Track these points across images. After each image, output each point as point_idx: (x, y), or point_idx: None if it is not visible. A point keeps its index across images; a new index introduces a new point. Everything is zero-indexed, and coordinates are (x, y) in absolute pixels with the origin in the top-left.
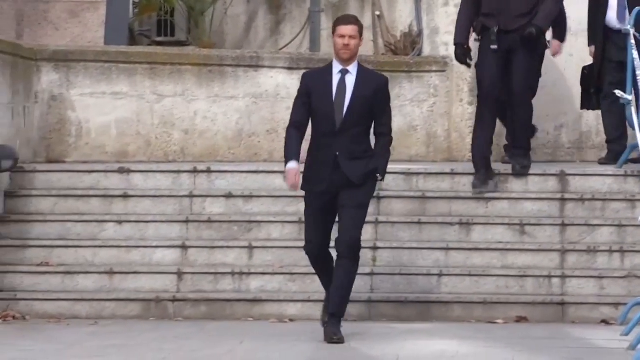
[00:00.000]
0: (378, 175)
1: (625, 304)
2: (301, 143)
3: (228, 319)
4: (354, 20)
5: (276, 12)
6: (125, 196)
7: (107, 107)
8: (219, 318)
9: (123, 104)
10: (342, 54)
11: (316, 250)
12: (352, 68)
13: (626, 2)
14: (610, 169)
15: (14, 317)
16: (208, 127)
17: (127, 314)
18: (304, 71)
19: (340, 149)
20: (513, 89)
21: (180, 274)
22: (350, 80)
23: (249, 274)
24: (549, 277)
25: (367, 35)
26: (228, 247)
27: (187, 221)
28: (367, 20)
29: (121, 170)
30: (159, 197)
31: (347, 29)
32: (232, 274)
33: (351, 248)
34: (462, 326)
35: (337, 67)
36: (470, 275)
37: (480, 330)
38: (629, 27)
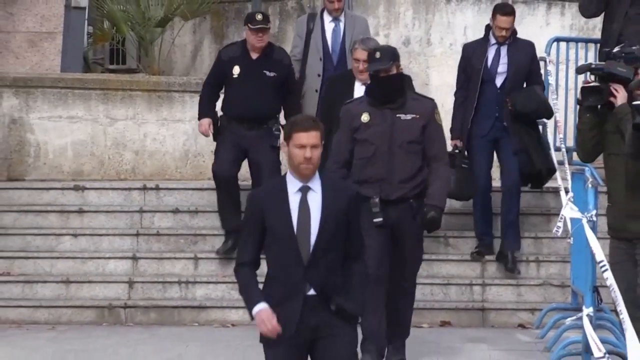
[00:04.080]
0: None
1: (540, 310)
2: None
3: (176, 325)
4: (314, 124)
5: (220, 42)
6: (81, 211)
7: (63, 130)
8: (167, 323)
9: (78, 127)
10: (304, 169)
11: None
12: (314, 183)
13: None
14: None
15: None
16: (157, 148)
17: (83, 319)
18: None
19: (313, 287)
20: (402, 276)
21: (131, 283)
22: (315, 199)
23: (195, 282)
24: (471, 285)
25: None
26: (175, 258)
27: (137, 234)
28: None
29: (77, 188)
30: (111, 212)
31: (309, 137)
32: (179, 282)
33: None
34: None
35: (294, 184)
36: None
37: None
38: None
